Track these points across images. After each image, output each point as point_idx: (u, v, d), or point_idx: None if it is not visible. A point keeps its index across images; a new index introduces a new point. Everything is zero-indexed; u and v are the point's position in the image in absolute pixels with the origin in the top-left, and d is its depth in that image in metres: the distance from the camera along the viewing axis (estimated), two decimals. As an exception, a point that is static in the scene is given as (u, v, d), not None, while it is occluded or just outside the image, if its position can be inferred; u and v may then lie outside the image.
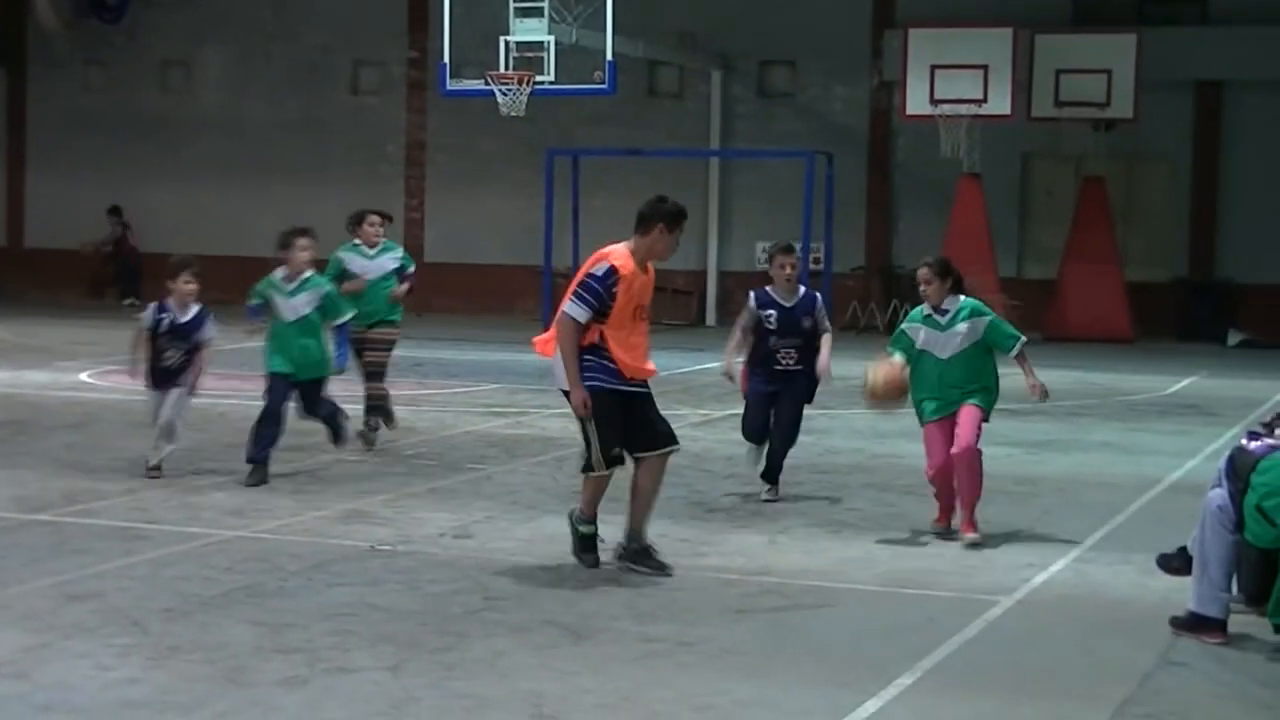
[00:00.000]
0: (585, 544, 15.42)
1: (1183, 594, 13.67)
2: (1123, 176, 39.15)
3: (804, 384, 18.83)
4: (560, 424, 24.45)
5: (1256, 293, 37.02)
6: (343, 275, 21.07)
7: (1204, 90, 39.76)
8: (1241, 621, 13.24)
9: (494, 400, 26.95)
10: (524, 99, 36.90)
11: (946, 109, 38.05)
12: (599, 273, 14.81)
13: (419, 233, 44.71)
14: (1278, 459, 12.73)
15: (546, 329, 16.05)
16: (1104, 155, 38.79)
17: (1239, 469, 13.08)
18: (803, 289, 19.06)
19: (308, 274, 19.54)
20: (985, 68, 37.82)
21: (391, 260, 21.54)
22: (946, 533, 17.10)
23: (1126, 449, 23.36)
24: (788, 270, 18.93)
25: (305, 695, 11.51)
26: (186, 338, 18.81)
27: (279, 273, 19.37)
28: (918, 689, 11.98)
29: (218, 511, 17.84)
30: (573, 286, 15.07)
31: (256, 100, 45.94)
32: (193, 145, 45.89)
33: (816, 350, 18.82)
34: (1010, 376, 17.06)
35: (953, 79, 37.94)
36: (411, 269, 21.86)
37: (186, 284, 18.57)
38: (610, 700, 11.56)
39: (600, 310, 14.86)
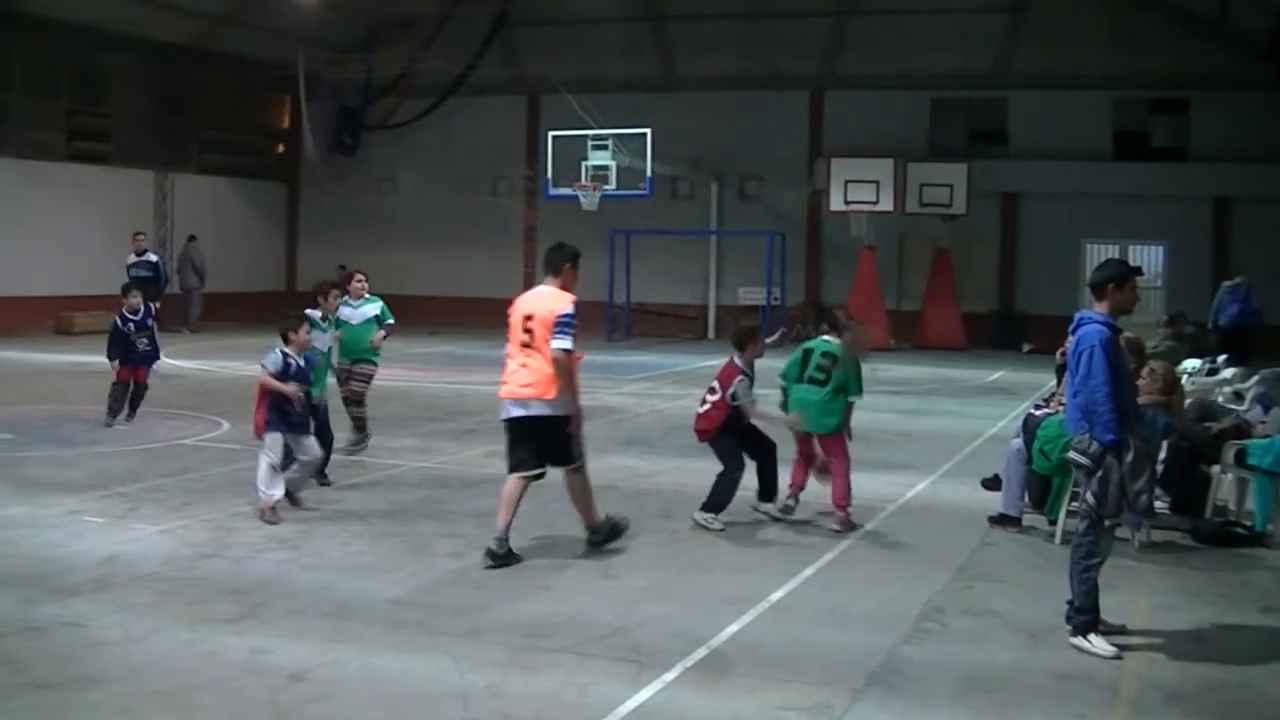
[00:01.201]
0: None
1: (995, 502, 13.79)
2: (961, 249, 38.96)
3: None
4: (619, 399, 24.41)
5: (1039, 319, 36.86)
6: (338, 323, 17.03)
7: (1007, 198, 39.72)
8: (1031, 519, 13.36)
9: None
10: (597, 200, 36.96)
11: (854, 207, 37.98)
12: (574, 310, 11.89)
13: (532, 283, 44.32)
14: (1052, 421, 13.08)
15: (560, 346, 11.32)
16: (949, 236, 38.71)
17: (1029, 426, 13.49)
18: None
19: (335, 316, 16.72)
20: (877, 183, 37.72)
21: (372, 309, 17.90)
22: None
23: (962, 414, 23.29)
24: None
25: (464, 564, 11.65)
26: (306, 380, 14.25)
27: (317, 313, 16.03)
28: (836, 561, 12.13)
29: (410, 452, 17.89)
30: (550, 326, 11.73)
31: (433, 201, 45.88)
32: (395, 229, 45.83)
33: None
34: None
35: (858, 189, 37.81)
36: (390, 320, 18.17)
37: (308, 334, 15.62)
38: (649, 567, 11.68)
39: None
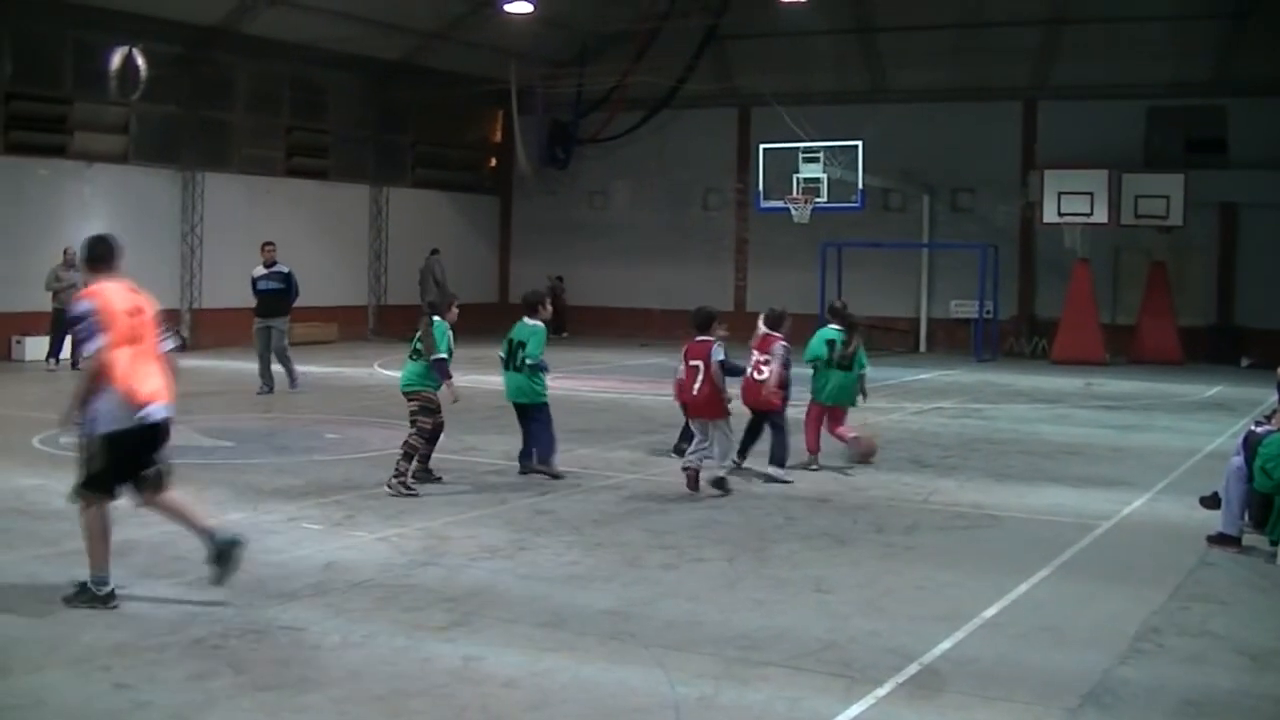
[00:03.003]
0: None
1: (1213, 521, 13.48)
2: (1176, 261, 38.30)
3: None
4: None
5: (1258, 333, 36.11)
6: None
7: (1225, 209, 38.85)
8: (1251, 539, 13.07)
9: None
10: (808, 212, 36.86)
11: (1068, 219, 37.46)
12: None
13: (744, 295, 44.67)
14: (1274, 438, 12.82)
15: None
16: (1165, 248, 38.01)
17: (1250, 444, 13.18)
18: None
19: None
20: (1091, 194, 37.18)
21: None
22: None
23: (1179, 430, 22.84)
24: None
25: (677, 575, 11.65)
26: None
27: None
28: (1051, 578, 11.91)
29: (622, 463, 17.94)
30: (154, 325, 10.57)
31: (645, 213, 46.13)
32: (607, 241, 46.15)
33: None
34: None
35: (1071, 200, 37.30)
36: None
37: (725, 333, 16.61)
38: (862, 581, 11.59)
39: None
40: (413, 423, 15.61)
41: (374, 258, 42.62)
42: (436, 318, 15.83)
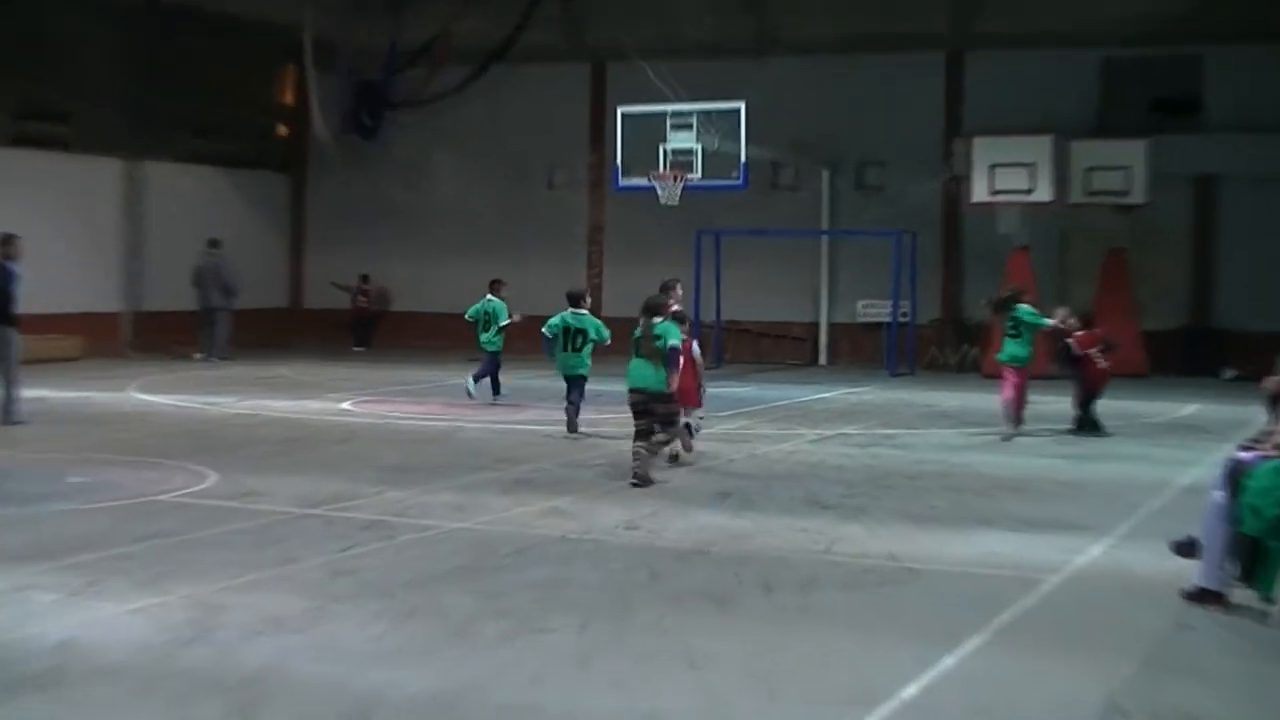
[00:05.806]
0: None
1: (1190, 572, 13.51)
2: (1139, 249, 38.77)
3: None
4: (710, 443, 24.27)
5: (1244, 338, 36.58)
6: None
7: (1200, 182, 39.35)
8: (1238, 594, 13.13)
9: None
10: (678, 192, 36.89)
11: (1002, 198, 37.83)
12: None
13: (599, 294, 44.67)
14: (1265, 467, 12.76)
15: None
16: (1125, 232, 38.49)
17: (1234, 475, 13.10)
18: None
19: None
20: (1032, 166, 37.56)
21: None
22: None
23: (1148, 459, 23.09)
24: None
25: (514, 649, 11.52)
26: None
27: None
28: (987, 647, 11.87)
29: (446, 509, 17.83)
30: None
31: (475, 194, 46.05)
32: (427, 229, 46.05)
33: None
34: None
35: (1007, 174, 37.69)
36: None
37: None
38: (746, 653, 11.51)
39: None
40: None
41: (130, 252, 41.96)
42: (659, 319, 20.97)
